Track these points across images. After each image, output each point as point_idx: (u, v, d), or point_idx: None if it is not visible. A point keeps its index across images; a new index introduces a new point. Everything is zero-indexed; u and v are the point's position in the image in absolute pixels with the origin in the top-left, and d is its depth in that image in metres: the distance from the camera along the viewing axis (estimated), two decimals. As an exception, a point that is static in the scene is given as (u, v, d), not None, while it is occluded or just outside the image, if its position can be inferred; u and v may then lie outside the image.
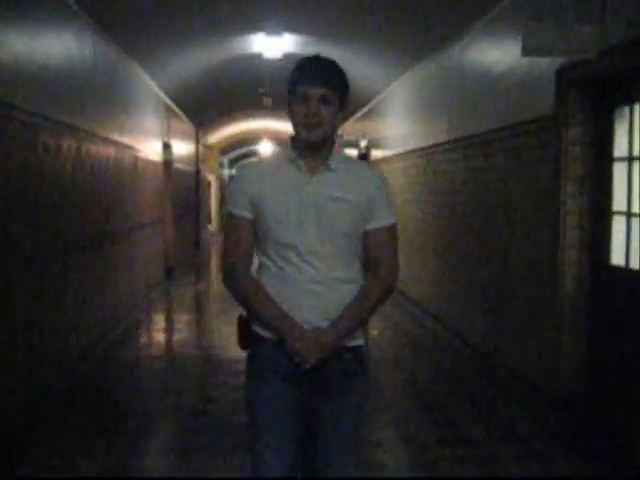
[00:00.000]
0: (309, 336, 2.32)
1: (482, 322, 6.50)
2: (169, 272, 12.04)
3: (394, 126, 10.76)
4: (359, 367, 2.46)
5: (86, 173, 6.29)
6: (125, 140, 8.05)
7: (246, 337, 2.45)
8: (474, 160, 6.74)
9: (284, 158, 2.43)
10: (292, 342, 2.32)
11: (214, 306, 10.51)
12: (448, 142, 7.61)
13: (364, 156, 13.25)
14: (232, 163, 33.95)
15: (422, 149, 8.83)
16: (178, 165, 13.37)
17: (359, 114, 13.75)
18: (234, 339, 2.52)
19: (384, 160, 11.42)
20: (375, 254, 2.44)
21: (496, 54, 6.21)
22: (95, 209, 6.63)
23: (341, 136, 16.17)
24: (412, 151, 9.42)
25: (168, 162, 12.01)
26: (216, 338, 8.00)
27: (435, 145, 8.18)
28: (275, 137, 23.57)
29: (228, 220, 2.47)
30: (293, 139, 2.44)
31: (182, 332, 8.39)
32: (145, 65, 9.34)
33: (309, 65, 2.38)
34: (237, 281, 2.42)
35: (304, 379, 2.38)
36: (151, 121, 10.34)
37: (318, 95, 2.32)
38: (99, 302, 6.80)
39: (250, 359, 2.47)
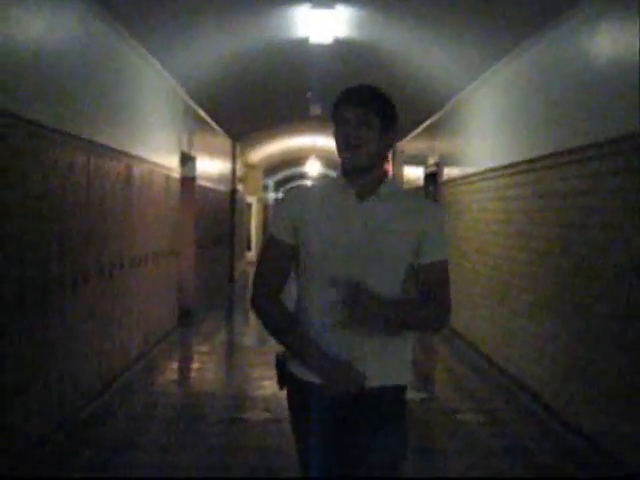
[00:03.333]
0: (343, 368, 2.24)
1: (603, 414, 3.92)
2: (186, 317, 9.64)
3: (478, 136, 8.23)
4: (401, 410, 2.32)
5: (30, 184, 3.96)
6: (103, 140, 5.65)
7: (282, 377, 2.40)
8: (616, 177, 4.19)
9: (332, 185, 2.39)
10: (325, 374, 2.25)
11: (251, 370, 7.08)
12: (569, 152, 5.08)
13: (433, 175, 10.73)
14: (278, 186, 31.77)
15: (525, 163, 6.29)
16: (205, 183, 11.07)
17: (426, 124, 11.25)
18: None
19: (463, 180, 8.87)
20: (425, 293, 2.31)
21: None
22: (47, 242, 4.29)
23: (402, 152, 13.70)
24: (506, 167, 6.90)
25: (189, 178, 9.74)
26: (254, 439, 4.99)
27: (542, 157, 5.65)
28: (324, 156, 20.81)
29: (268, 241, 2.39)
30: (342, 165, 2.37)
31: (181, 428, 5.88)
32: (152, 49, 7.06)
33: (351, 89, 2.33)
34: (268, 311, 2.35)
35: (340, 421, 2.29)
36: (161, 123, 8.00)
37: (357, 115, 2.26)
38: (51, 378, 4.41)
39: (288, 397, 2.43)
